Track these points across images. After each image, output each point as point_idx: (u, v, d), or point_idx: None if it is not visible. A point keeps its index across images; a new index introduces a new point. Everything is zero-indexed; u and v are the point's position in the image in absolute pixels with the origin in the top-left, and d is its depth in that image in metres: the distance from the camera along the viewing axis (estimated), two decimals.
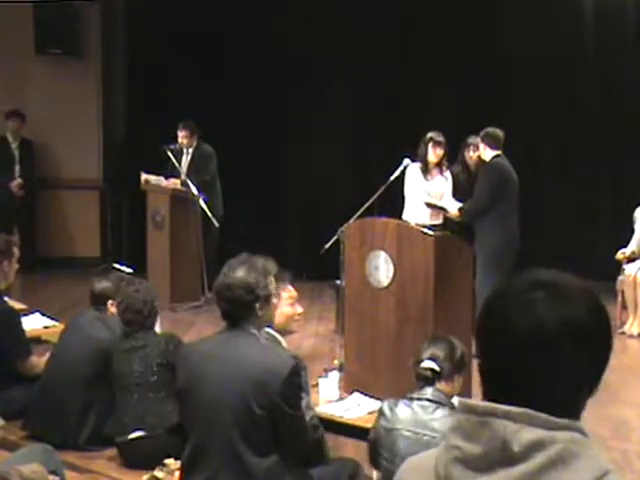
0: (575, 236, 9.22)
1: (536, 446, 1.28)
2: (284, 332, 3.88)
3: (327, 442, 3.71)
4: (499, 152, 7.14)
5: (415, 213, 7.23)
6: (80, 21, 10.54)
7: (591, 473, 1.27)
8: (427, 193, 7.28)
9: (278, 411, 3.26)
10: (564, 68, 9.35)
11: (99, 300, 4.70)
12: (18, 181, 10.06)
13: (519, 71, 9.41)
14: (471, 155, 7.65)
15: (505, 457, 1.30)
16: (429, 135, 7.25)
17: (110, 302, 4.67)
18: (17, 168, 10.17)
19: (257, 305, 3.37)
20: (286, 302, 3.92)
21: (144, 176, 8.87)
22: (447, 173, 7.43)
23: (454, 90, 9.50)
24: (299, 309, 4.04)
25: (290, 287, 4.01)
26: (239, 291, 3.33)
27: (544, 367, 1.33)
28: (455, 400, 3.42)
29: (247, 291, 3.34)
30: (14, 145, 10.25)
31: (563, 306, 1.34)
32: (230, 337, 3.40)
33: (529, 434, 1.29)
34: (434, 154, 7.22)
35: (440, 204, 7.26)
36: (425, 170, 7.27)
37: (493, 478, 1.30)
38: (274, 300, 3.50)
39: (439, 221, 7.30)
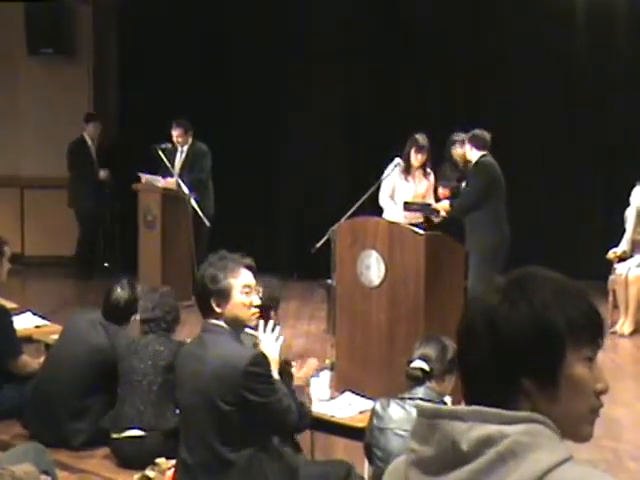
0: (567, 235, 9.24)
1: (485, 443, 1.27)
2: (236, 325, 3.48)
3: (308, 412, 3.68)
4: (485, 152, 7.16)
5: (391, 213, 7.22)
6: (72, 21, 10.54)
7: (544, 464, 1.25)
8: (405, 194, 7.25)
9: (247, 403, 3.28)
10: (556, 67, 9.38)
11: (120, 314, 4.56)
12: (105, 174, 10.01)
13: (512, 72, 9.43)
14: (457, 151, 7.65)
15: (456, 458, 1.29)
16: (414, 137, 7.24)
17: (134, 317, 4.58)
18: (101, 172, 10.02)
19: (212, 300, 3.41)
20: (238, 289, 3.45)
21: (143, 176, 8.84)
22: (431, 176, 7.42)
23: (447, 89, 9.50)
24: (256, 300, 3.51)
25: (245, 271, 3.50)
26: (197, 285, 3.50)
27: (478, 363, 1.37)
28: (447, 399, 3.42)
29: (201, 285, 3.45)
30: (93, 149, 10.10)
31: (502, 309, 1.36)
32: (204, 336, 3.47)
33: (477, 431, 1.28)
34: (416, 159, 7.22)
35: (423, 201, 7.24)
36: (407, 171, 7.26)
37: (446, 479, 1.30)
38: (241, 298, 3.45)
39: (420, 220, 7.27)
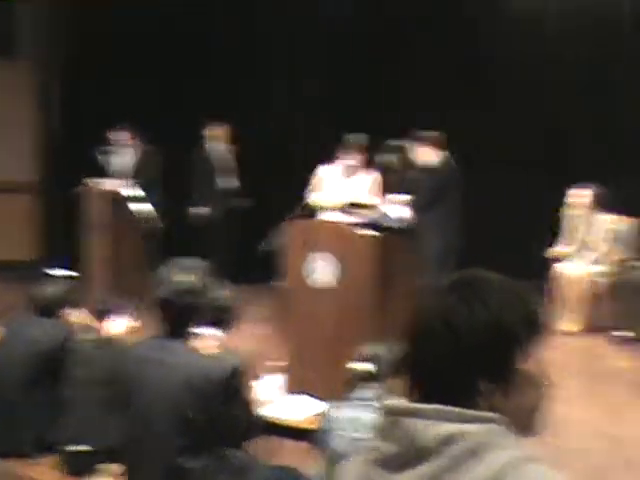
0: (509, 235, 9.31)
1: (446, 441, 1.29)
2: None
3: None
4: (445, 153, 7.24)
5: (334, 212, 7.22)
6: (13, 21, 10.37)
7: (502, 462, 1.27)
8: (345, 192, 7.26)
9: (216, 414, 3.24)
10: (497, 69, 9.49)
11: (49, 308, 4.54)
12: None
13: (471, 73, 9.51)
14: (391, 158, 7.63)
15: (417, 455, 1.31)
16: (348, 136, 7.29)
17: (66, 309, 4.59)
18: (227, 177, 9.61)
19: (205, 307, 3.35)
20: None
21: (90, 181, 8.75)
22: (371, 172, 7.45)
23: (393, 90, 9.53)
24: None
25: None
26: (192, 296, 3.27)
27: (435, 365, 1.37)
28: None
29: (199, 295, 3.29)
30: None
31: (460, 311, 1.36)
32: (165, 341, 3.34)
33: (438, 429, 1.30)
34: (352, 158, 7.26)
35: (366, 202, 7.23)
36: (347, 170, 7.28)
37: (406, 476, 1.31)
38: None
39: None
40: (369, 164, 7.46)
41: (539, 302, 1.43)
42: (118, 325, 4.40)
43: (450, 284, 1.41)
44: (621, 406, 6.19)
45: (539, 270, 8.31)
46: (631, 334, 7.70)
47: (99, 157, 8.60)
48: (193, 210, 9.50)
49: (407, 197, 6.99)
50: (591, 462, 5.15)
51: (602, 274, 8.11)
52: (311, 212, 6.94)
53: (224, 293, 4.03)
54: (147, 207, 8.52)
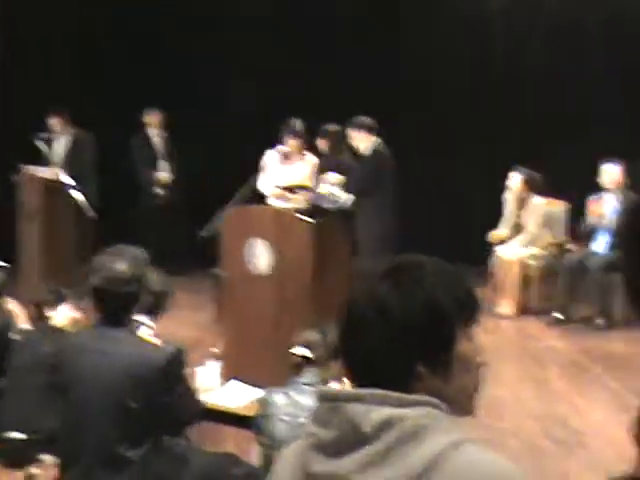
0: (449, 220, 9.42)
1: (385, 425, 1.30)
2: None
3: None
4: (377, 139, 7.28)
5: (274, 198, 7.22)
6: None
7: (442, 445, 1.29)
8: (282, 178, 7.27)
9: (155, 402, 3.23)
10: (442, 58, 9.58)
11: None
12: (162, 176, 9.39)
13: (401, 60, 9.57)
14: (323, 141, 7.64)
15: (357, 439, 1.32)
16: (288, 121, 7.30)
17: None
18: (161, 164, 9.51)
19: (141, 295, 3.34)
20: None
21: (25, 168, 8.60)
22: (308, 157, 7.46)
23: (333, 77, 9.55)
24: None
25: None
26: (128, 285, 3.24)
27: (370, 351, 1.37)
28: (335, 385, 3.47)
29: (135, 283, 3.27)
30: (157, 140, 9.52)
31: (393, 296, 1.37)
32: (105, 330, 3.31)
33: (378, 414, 1.31)
34: (288, 144, 7.27)
35: (297, 183, 7.25)
36: (284, 156, 7.30)
37: (346, 461, 1.33)
38: None
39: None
40: (307, 149, 7.47)
41: (472, 284, 1.45)
42: (58, 314, 4.34)
43: (383, 271, 1.41)
44: (554, 386, 6.33)
45: (482, 255, 8.43)
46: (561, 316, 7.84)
47: (38, 144, 8.44)
48: (161, 191, 9.44)
49: (341, 177, 7.02)
50: (525, 442, 5.26)
51: (534, 257, 8.25)
52: (256, 198, 6.94)
53: (157, 279, 4.02)
54: (81, 195, 8.41)
